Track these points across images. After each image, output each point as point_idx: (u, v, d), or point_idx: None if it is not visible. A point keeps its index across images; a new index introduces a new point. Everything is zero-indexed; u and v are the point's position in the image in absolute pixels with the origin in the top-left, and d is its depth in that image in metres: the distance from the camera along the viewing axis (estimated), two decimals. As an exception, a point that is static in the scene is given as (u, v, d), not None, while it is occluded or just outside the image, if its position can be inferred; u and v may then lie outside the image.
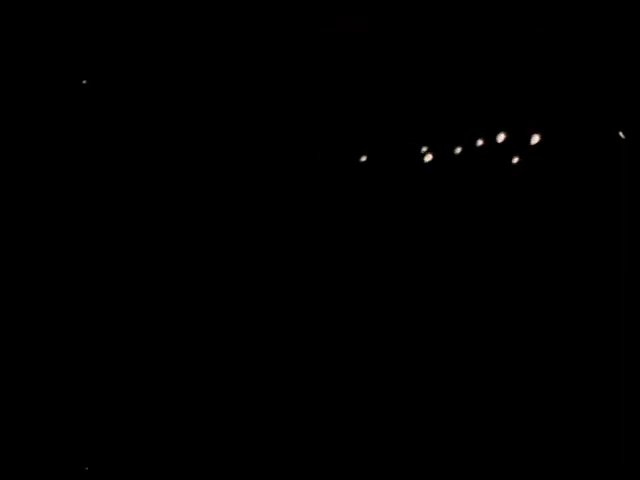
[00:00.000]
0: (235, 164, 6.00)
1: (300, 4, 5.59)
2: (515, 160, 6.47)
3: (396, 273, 6.27)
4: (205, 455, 5.60)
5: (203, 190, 6.02)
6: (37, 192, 5.93)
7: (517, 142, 6.42)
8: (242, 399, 5.78)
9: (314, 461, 5.63)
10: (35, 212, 5.91)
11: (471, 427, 5.91)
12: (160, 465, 5.51)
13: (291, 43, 5.72)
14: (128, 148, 6.01)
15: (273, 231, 6.01)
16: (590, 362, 6.21)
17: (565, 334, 6.29)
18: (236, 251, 5.99)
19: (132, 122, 6.00)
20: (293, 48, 5.75)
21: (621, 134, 6.60)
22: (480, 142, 6.30)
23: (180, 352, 5.84)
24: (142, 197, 5.99)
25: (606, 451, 5.59)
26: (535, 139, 6.31)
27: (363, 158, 6.08)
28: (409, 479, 5.67)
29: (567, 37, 6.03)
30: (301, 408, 5.78)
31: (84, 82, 6.09)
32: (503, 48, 6.08)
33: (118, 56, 5.98)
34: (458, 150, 6.23)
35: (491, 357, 6.22)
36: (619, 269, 6.49)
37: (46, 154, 5.99)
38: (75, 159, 5.99)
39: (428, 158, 6.24)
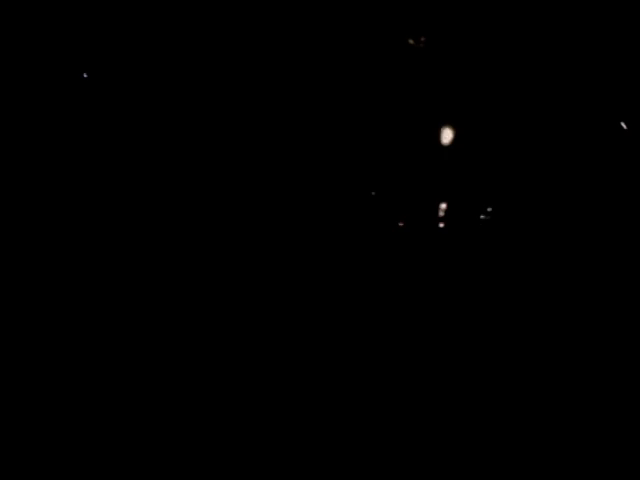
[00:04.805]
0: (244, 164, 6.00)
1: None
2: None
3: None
4: (205, 455, 5.61)
5: (205, 189, 6.01)
6: (37, 187, 5.91)
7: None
8: (242, 398, 5.79)
9: (314, 460, 5.64)
10: (35, 209, 5.89)
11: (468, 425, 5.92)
12: (160, 465, 5.52)
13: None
14: (132, 143, 5.99)
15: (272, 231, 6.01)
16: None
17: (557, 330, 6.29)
18: (235, 251, 5.99)
19: (136, 119, 5.97)
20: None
21: (623, 124, 6.57)
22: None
23: (181, 350, 5.85)
24: (150, 194, 5.97)
25: (606, 450, 5.60)
26: None
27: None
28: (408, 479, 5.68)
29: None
30: (301, 407, 5.79)
31: (85, 76, 6.05)
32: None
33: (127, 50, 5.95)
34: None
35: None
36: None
37: (46, 149, 5.96)
38: (75, 154, 5.97)
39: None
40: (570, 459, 5.57)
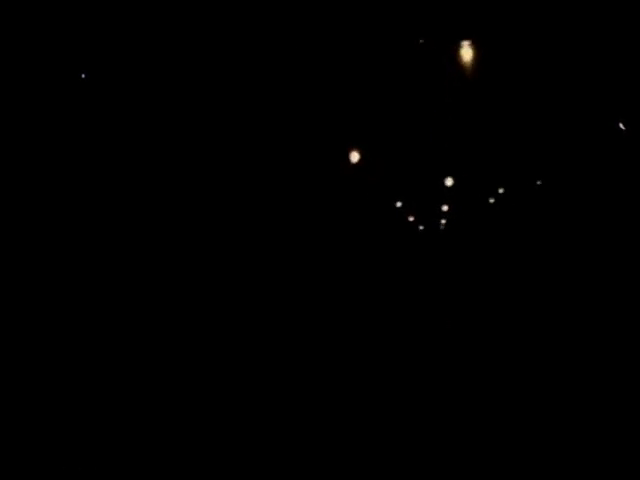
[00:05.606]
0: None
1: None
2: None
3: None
4: (205, 455, 5.61)
5: (205, 188, 6.01)
6: (36, 187, 5.90)
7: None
8: (241, 398, 5.78)
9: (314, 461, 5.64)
10: (35, 209, 5.89)
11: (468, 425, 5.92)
12: (160, 465, 5.52)
13: None
14: (131, 142, 5.98)
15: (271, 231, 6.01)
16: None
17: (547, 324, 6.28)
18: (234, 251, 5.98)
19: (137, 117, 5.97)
20: None
21: (621, 125, 6.57)
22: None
23: (180, 351, 5.84)
24: (148, 194, 5.97)
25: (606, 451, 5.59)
26: None
27: None
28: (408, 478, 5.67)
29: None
30: (299, 407, 5.78)
31: (83, 76, 6.05)
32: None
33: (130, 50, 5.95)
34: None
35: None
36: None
37: (45, 148, 5.96)
38: (75, 154, 5.96)
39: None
40: (570, 457, 5.56)
